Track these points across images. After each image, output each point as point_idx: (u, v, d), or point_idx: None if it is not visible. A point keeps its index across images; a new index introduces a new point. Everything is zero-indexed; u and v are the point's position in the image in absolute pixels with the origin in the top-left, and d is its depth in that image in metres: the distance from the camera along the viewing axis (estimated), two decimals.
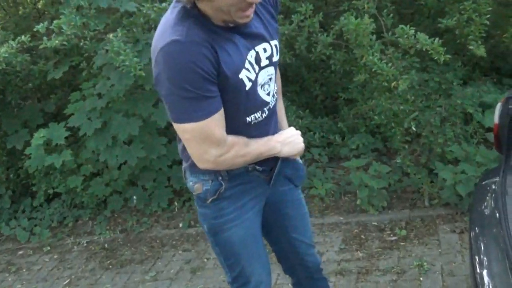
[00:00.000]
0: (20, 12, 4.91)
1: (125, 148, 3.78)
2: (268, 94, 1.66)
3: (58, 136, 3.84)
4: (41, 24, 3.21)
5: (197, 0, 1.38)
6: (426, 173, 3.50)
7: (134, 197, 4.13)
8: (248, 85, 1.54)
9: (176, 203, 4.09)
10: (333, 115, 4.39)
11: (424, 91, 3.78)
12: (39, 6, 4.96)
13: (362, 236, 3.31)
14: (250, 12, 1.44)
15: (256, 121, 1.64)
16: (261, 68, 1.60)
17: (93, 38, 3.41)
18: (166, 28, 1.43)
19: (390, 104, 3.36)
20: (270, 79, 1.66)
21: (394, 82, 3.14)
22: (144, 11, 3.32)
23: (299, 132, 1.82)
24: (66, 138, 3.90)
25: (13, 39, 3.55)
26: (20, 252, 4.08)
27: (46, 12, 4.73)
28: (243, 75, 1.52)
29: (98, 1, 3.35)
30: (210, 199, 1.71)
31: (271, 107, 1.70)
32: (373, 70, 3.15)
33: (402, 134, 3.45)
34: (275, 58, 1.66)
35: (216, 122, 1.49)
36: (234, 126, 1.59)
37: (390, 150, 3.90)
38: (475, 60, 4.04)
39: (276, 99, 1.76)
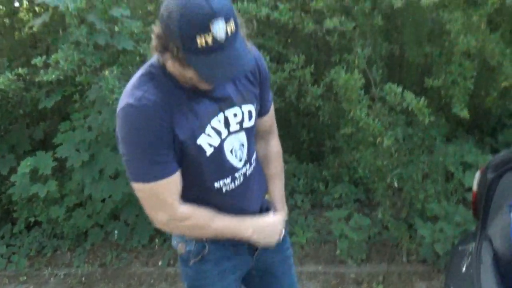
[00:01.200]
0: (16, 37, 4.95)
1: (111, 182, 3.79)
2: (240, 160, 1.63)
3: (45, 166, 3.84)
4: (39, 58, 3.26)
5: (164, 61, 1.39)
6: (405, 228, 3.53)
7: (116, 231, 4.12)
8: (209, 150, 1.53)
9: (157, 240, 4.09)
10: (318, 162, 4.43)
11: (408, 145, 3.82)
12: (36, 31, 5.00)
13: None
14: (211, 86, 1.47)
15: (227, 188, 1.62)
16: (230, 133, 1.58)
17: (88, 72, 3.46)
18: (127, 89, 1.45)
19: (374, 159, 3.41)
20: (242, 145, 1.63)
21: (379, 138, 3.20)
22: (141, 51, 3.39)
23: (281, 220, 1.78)
24: (53, 168, 3.90)
25: (8, 66, 3.60)
26: None
27: (42, 39, 4.78)
28: (202, 140, 1.50)
29: (96, 37, 3.41)
30: (192, 261, 1.71)
31: (247, 174, 1.68)
32: (359, 124, 3.21)
33: (384, 188, 3.50)
34: (247, 124, 1.63)
35: (165, 187, 1.49)
36: (203, 192, 1.60)
37: (372, 201, 3.95)
38: (459, 118, 4.17)
39: (254, 168, 1.73)
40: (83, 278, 3.87)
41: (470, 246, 2.22)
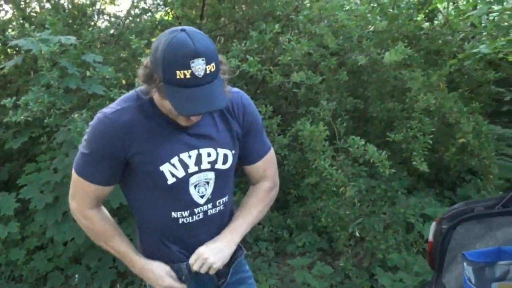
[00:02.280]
0: None
1: (74, 225, 3.73)
2: (202, 197, 1.69)
3: (7, 207, 3.78)
4: (9, 99, 3.27)
5: (149, 90, 1.54)
6: (367, 277, 3.58)
7: (76, 276, 4.04)
8: (171, 180, 1.61)
9: (118, 285, 4.01)
10: (283, 210, 4.46)
11: (370, 196, 3.91)
12: (6, 72, 5.01)
13: None
14: (192, 120, 1.58)
15: (184, 220, 1.69)
16: (200, 170, 1.66)
17: (58, 115, 3.48)
18: (114, 102, 1.64)
19: (337, 208, 3.49)
20: (208, 183, 1.69)
21: (342, 188, 3.28)
22: (112, 96, 3.44)
23: (161, 275, 1.73)
24: (15, 209, 3.84)
25: None
26: None
27: (13, 81, 4.79)
28: (164, 168, 1.60)
29: (67, 81, 3.45)
30: None
31: (208, 213, 1.73)
32: (323, 174, 3.29)
33: (347, 237, 3.56)
34: (220, 165, 1.69)
35: (87, 189, 1.65)
36: (160, 218, 1.70)
37: (335, 250, 3.96)
38: (420, 171, 4.29)
39: (220, 211, 1.77)
40: None
41: None
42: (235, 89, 1.78)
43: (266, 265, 3.95)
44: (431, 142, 3.47)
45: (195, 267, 1.68)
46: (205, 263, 1.67)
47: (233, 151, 1.74)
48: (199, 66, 1.41)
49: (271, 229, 4.22)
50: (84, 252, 4.02)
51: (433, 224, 2.34)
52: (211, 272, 1.69)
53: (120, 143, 1.56)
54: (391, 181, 4.05)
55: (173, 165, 1.61)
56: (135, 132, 1.56)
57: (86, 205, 1.68)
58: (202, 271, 1.68)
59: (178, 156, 1.61)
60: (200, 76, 1.42)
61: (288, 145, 3.66)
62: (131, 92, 1.66)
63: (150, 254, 1.77)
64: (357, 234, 3.58)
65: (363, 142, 3.27)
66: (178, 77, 1.41)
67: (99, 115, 1.59)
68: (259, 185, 1.89)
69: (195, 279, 1.77)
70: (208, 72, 1.43)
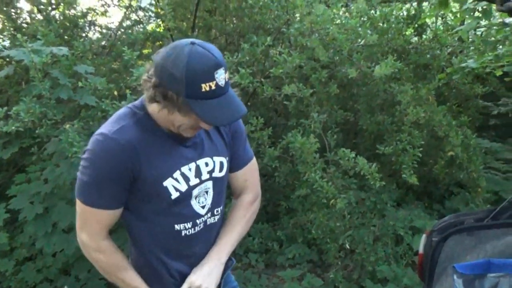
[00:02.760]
0: None
1: (64, 236, 3.71)
2: (203, 207, 1.69)
3: None
4: (0, 109, 3.26)
5: (148, 105, 1.52)
6: None
7: (65, 287, 4.01)
8: (175, 195, 1.59)
9: None
10: (273, 222, 4.46)
11: (360, 209, 3.92)
12: None
13: None
14: (197, 131, 1.58)
15: (187, 232, 1.67)
16: (201, 181, 1.65)
17: (49, 125, 3.46)
18: (108, 121, 1.56)
19: (327, 220, 3.50)
20: (207, 192, 1.69)
21: (333, 200, 3.29)
22: (103, 107, 3.43)
23: None
24: (5, 219, 3.80)
25: None
26: None
27: (4, 91, 4.76)
28: (168, 183, 1.57)
29: (59, 92, 3.44)
30: None
31: (207, 223, 1.72)
32: (313, 186, 3.30)
33: (337, 249, 3.56)
34: (217, 173, 1.70)
35: (98, 217, 1.57)
36: (162, 232, 1.65)
37: (325, 262, 3.96)
38: (409, 184, 4.31)
39: (218, 219, 1.77)
40: None
41: None
42: None
43: (256, 277, 3.94)
44: (420, 155, 3.50)
45: None
46: None
47: (227, 158, 1.76)
48: (222, 76, 1.42)
49: (261, 241, 4.22)
50: (73, 263, 3.98)
51: (424, 236, 2.34)
52: None
53: (130, 163, 1.50)
54: (380, 194, 4.07)
55: (176, 179, 1.59)
56: (139, 149, 1.52)
57: (99, 236, 1.60)
58: None
59: (180, 170, 1.60)
60: (223, 86, 1.43)
61: (278, 157, 3.67)
62: (124, 108, 1.60)
63: (144, 279, 1.71)
64: (347, 246, 3.59)
65: (353, 155, 3.30)
66: (203, 90, 1.39)
67: (98, 137, 1.50)
68: (242, 197, 1.88)
69: None
70: (227, 80, 1.45)
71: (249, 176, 1.88)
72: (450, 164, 4.17)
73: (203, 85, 1.38)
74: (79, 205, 1.57)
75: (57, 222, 3.67)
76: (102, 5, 4.87)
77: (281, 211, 4.38)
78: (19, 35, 3.63)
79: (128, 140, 1.50)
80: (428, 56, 4.22)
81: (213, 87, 1.40)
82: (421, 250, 2.34)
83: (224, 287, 1.88)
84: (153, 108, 1.53)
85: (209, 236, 1.76)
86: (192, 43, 1.42)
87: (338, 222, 3.50)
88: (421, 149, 3.51)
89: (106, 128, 1.52)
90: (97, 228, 1.59)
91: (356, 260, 3.70)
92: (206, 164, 1.67)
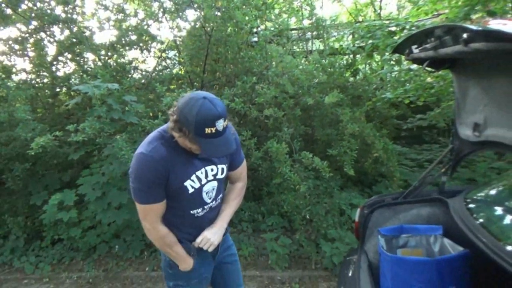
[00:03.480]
0: (55, 111, 4.86)
1: (115, 211, 3.68)
2: (210, 198, 1.70)
3: (68, 199, 3.70)
4: (71, 125, 3.22)
5: (175, 134, 1.50)
6: (314, 246, 3.58)
7: (117, 246, 3.96)
8: (191, 190, 1.60)
9: (145, 253, 3.94)
10: (258, 201, 4.45)
11: (316, 191, 3.93)
12: (70, 108, 4.94)
13: (270, 287, 3.29)
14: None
15: (198, 214, 1.68)
16: (208, 181, 1.66)
17: (105, 136, 3.43)
18: (144, 143, 1.54)
19: (294, 199, 3.50)
20: (213, 188, 1.70)
21: (298, 186, 3.30)
22: (143, 124, 3.41)
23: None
24: (75, 201, 3.77)
25: (48, 130, 3.52)
26: (25, 281, 3.76)
27: (74, 113, 4.72)
28: (187, 183, 1.58)
29: (112, 114, 3.42)
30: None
31: (212, 207, 1.73)
32: (285, 177, 3.31)
33: (300, 219, 3.56)
34: (220, 176, 1.71)
35: (153, 209, 1.56)
36: (183, 214, 1.65)
37: (293, 228, 3.97)
38: (349, 175, 4.33)
39: (218, 203, 1.77)
40: (91, 280, 3.67)
41: (353, 258, 2.26)
42: None
43: (247, 238, 3.94)
44: (355, 156, 3.50)
45: (201, 245, 1.70)
46: (208, 242, 1.70)
47: (227, 165, 1.76)
48: (221, 124, 1.41)
49: (249, 213, 4.21)
50: (122, 230, 3.98)
51: (358, 210, 2.35)
52: (211, 249, 1.71)
53: (164, 171, 1.50)
54: (329, 182, 4.08)
55: (192, 180, 1.60)
56: (168, 161, 1.51)
57: (157, 222, 1.60)
58: (205, 248, 1.71)
59: (195, 174, 1.60)
60: (221, 130, 1.42)
61: (261, 157, 3.66)
62: (154, 132, 1.58)
63: None
64: (307, 217, 3.59)
65: (311, 155, 3.30)
66: (206, 132, 1.40)
67: (139, 155, 1.49)
68: (236, 184, 1.90)
69: (199, 254, 1.76)
70: (225, 126, 1.44)
71: (242, 171, 1.89)
72: (375, 161, 4.19)
73: (206, 129, 1.39)
74: (138, 206, 1.56)
75: (111, 202, 3.65)
76: (142, 56, 4.84)
77: (263, 193, 4.37)
78: (84, 76, 3.60)
79: (160, 156, 1.50)
80: (360, 90, 4.24)
81: (214, 131, 1.40)
82: (356, 219, 2.36)
83: (223, 244, 1.90)
84: (174, 133, 1.51)
85: (212, 215, 1.76)
86: (204, 98, 1.41)
87: (301, 201, 3.50)
88: (356, 152, 3.53)
89: (143, 148, 1.51)
90: (154, 217, 1.59)
91: (314, 226, 3.69)
92: (212, 170, 1.67)
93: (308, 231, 3.82)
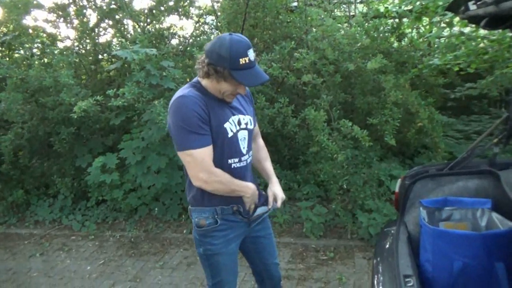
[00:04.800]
0: (98, 77, 4.97)
1: (155, 175, 3.78)
2: (244, 148, 1.66)
3: (111, 162, 3.83)
4: (111, 90, 3.27)
5: (202, 80, 1.54)
6: (350, 216, 3.52)
7: (156, 209, 4.09)
8: (230, 133, 1.58)
9: (183, 216, 4.06)
10: (294, 169, 4.41)
11: (354, 161, 3.83)
12: (111, 74, 5.04)
13: (304, 254, 3.29)
14: (232, 99, 1.60)
15: (235, 165, 1.63)
16: (240, 129, 1.64)
17: (144, 102, 3.47)
18: (178, 92, 1.55)
19: (331, 169, 3.42)
20: (244, 138, 1.66)
21: (335, 155, 3.21)
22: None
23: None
24: (116, 164, 3.89)
25: (91, 96, 3.60)
26: (73, 238, 4.00)
27: (115, 79, 4.81)
28: (227, 125, 1.58)
29: (150, 79, 3.43)
30: (211, 229, 1.67)
31: (247, 161, 1.69)
32: (322, 145, 3.23)
33: (337, 189, 3.49)
34: (250, 126, 1.69)
35: (206, 153, 1.51)
36: (222, 164, 1.59)
37: (329, 197, 3.92)
38: (389, 145, 4.17)
39: (250, 160, 1.73)
40: (132, 239, 3.84)
41: (392, 229, 2.19)
42: None
43: (282, 206, 3.90)
44: (398, 125, 3.35)
45: (278, 204, 1.73)
46: (279, 198, 1.74)
47: (253, 117, 1.78)
48: (252, 54, 1.47)
49: (285, 182, 4.18)
50: (161, 194, 4.08)
51: (399, 180, 2.26)
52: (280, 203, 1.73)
53: (206, 109, 1.49)
54: (369, 152, 3.97)
55: (230, 123, 1.60)
56: (206, 104, 1.50)
57: (212, 167, 1.53)
58: (279, 204, 1.74)
59: (231, 118, 1.61)
60: (253, 60, 1.47)
61: (298, 125, 3.59)
62: (185, 85, 1.57)
63: (205, 195, 1.65)
64: (345, 187, 3.51)
65: (350, 124, 3.19)
66: (241, 63, 1.44)
67: (179, 98, 1.46)
68: (258, 141, 1.92)
69: (236, 222, 1.71)
70: (255, 57, 1.50)
71: (258, 127, 1.93)
72: (419, 132, 4.00)
73: (241, 60, 1.43)
74: (190, 154, 1.49)
75: (150, 166, 3.74)
76: (180, 22, 4.80)
77: (299, 162, 4.32)
78: (123, 41, 3.61)
79: (198, 96, 1.50)
80: (406, 56, 4.00)
81: (247, 61, 1.44)
82: (397, 190, 2.26)
83: (265, 221, 1.88)
84: (205, 82, 1.55)
85: (246, 171, 1.71)
86: (230, 34, 1.46)
87: (338, 170, 3.42)
88: (398, 121, 3.37)
89: (181, 93, 1.52)
90: (209, 161, 1.53)
91: (351, 197, 3.62)
92: (243, 119, 1.67)
93: (345, 201, 3.75)
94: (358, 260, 3.13)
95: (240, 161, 1.65)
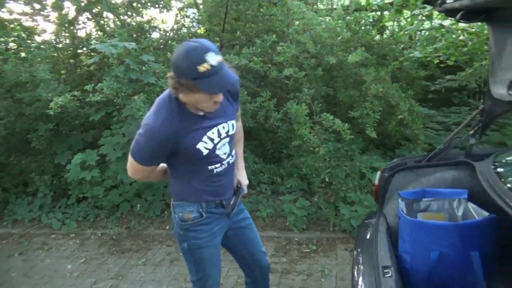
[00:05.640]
0: (77, 72, 4.87)
1: None
2: (224, 154, 1.66)
3: (91, 159, 3.78)
4: (90, 85, 3.20)
5: (179, 95, 1.44)
6: (333, 208, 3.55)
7: (138, 205, 4.05)
8: (205, 152, 1.56)
9: (166, 212, 4.02)
10: (277, 163, 4.41)
11: (336, 154, 3.84)
12: (91, 69, 4.94)
13: (287, 247, 3.31)
14: (214, 108, 1.51)
15: (217, 170, 1.65)
16: (221, 139, 1.61)
17: (123, 97, 3.41)
18: (152, 110, 1.50)
19: (314, 162, 3.43)
20: (225, 144, 1.65)
21: (317, 148, 3.22)
22: (160, 84, 3.36)
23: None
24: (97, 160, 3.83)
25: (69, 91, 3.52)
26: (53, 236, 3.93)
27: (95, 74, 4.72)
28: (200, 146, 1.54)
29: (130, 74, 3.37)
30: (196, 223, 1.68)
31: (229, 162, 1.69)
32: (304, 139, 3.24)
33: (319, 182, 3.51)
34: (231, 132, 1.67)
35: (144, 169, 1.56)
36: (203, 171, 1.62)
37: (312, 190, 3.94)
38: (371, 138, 4.20)
39: (233, 158, 1.74)
40: (114, 237, 3.79)
41: (372, 221, 2.21)
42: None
43: (265, 200, 3.94)
44: (379, 118, 3.38)
45: (245, 190, 1.87)
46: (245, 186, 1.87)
47: (235, 118, 1.72)
48: (212, 58, 1.32)
49: (269, 176, 4.19)
50: (144, 190, 4.04)
51: (378, 173, 2.27)
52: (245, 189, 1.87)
53: (171, 143, 1.49)
54: (350, 144, 3.97)
55: (205, 142, 1.55)
56: (176, 132, 1.47)
57: (143, 177, 1.69)
58: (245, 191, 1.87)
59: (207, 135, 1.55)
60: (215, 65, 1.33)
61: (281, 119, 3.59)
62: (164, 95, 1.52)
63: (184, 193, 1.69)
64: (327, 180, 3.53)
65: (332, 117, 3.21)
66: (200, 70, 1.31)
67: (146, 126, 1.46)
68: (238, 124, 1.88)
69: (218, 215, 1.74)
70: (219, 61, 1.35)
71: (240, 122, 1.92)
72: (399, 124, 4.02)
73: (199, 67, 1.30)
74: (133, 162, 1.54)
75: None
76: (161, 15, 4.72)
77: (282, 155, 4.33)
78: (101, 34, 3.54)
79: (166, 130, 1.45)
80: (387, 49, 4.02)
81: (208, 67, 1.31)
82: (376, 182, 2.28)
83: (237, 207, 1.86)
84: (180, 96, 1.45)
85: (231, 170, 1.75)
86: (188, 41, 1.35)
87: (321, 163, 3.43)
88: (379, 113, 3.39)
89: (151, 119, 1.47)
90: (143, 174, 1.62)
91: (333, 189, 3.65)
92: (223, 127, 1.62)
93: (327, 194, 3.78)
94: (340, 252, 3.15)
95: (221, 165, 1.66)
